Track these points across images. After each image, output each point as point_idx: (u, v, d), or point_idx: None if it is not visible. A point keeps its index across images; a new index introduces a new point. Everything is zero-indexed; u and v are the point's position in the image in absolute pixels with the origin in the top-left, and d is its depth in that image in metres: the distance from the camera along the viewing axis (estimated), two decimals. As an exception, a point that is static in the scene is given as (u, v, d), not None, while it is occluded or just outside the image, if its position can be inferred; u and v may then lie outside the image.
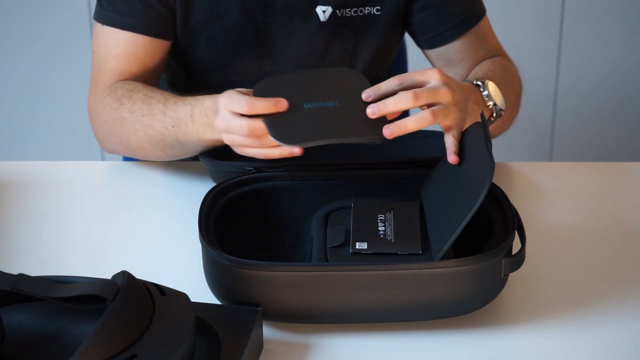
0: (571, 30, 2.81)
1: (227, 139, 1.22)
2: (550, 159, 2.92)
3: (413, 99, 1.15)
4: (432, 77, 1.18)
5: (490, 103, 1.29)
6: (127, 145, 1.40)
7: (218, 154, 1.36)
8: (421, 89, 1.17)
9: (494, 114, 1.30)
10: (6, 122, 2.91)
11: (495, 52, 1.52)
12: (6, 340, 0.96)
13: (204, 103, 1.27)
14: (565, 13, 2.80)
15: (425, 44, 1.53)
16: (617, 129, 2.92)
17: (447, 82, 1.18)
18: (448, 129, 1.17)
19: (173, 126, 1.32)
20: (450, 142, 1.16)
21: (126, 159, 1.91)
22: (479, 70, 1.42)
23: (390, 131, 1.15)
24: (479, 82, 1.30)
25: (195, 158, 1.39)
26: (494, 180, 1.19)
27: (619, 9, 2.80)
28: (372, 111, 1.17)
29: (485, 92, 1.29)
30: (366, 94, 1.19)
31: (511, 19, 2.76)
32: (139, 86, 1.40)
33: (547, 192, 1.38)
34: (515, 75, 1.47)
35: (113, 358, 0.88)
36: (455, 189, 1.14)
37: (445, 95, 1.16)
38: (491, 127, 1.30)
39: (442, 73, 1.19)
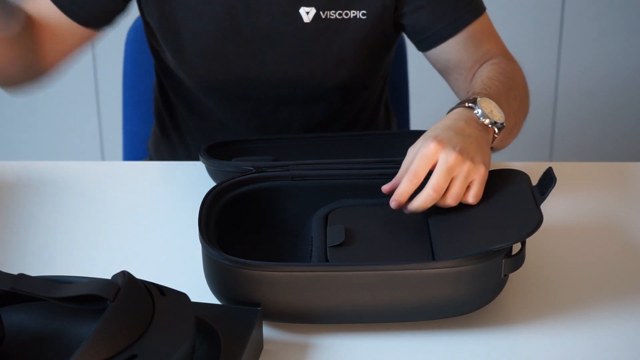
0: (571, 30, 2.82)
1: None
2: (550, 159, 2.92)
3: (435, 195, 1.14)
4: (432, 156, 1.15)
5: (487, 121, 1.23)
6: None
7: (218, 154, 1.36)
8: (435, 179, 1.14)
9: (496, 130, 1.25)
10: (6, 122, 2.91)
11: (495, 51, 1.50)
12: (6, 340, 0.96)
13: None
14: (565, 13, 2.80)
15: (421, 45, 1.52)
16: (617, 129, 2.92)
17: (443, 146, 1.15)
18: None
19: None
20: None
21: (126, 158, 1.91)
22: (479, 80, 1.38)
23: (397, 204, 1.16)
24: (470, 104, 1.24)
25: (195, 158, 1.39)
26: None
27: (619, 9, 2.80)
28: (395, 204, 1.16)
29: (478, 112, 1.23)
30: (386, 188, 1.19)
31: (511, 19, 2.76)
32: None
33: (547, 192, 1.38)
34: (518, 78, 1.44)
35: (113, 358, 0.88)
36: (478, 212, 1.14)
37: (457, 166, 1.14)
38: (497, 139, 1.26)
39: (433, 142, 1.15)
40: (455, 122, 1.21)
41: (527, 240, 1.08)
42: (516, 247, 1.08)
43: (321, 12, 1.46)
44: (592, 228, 1.30)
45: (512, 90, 1.37)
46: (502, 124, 1.25)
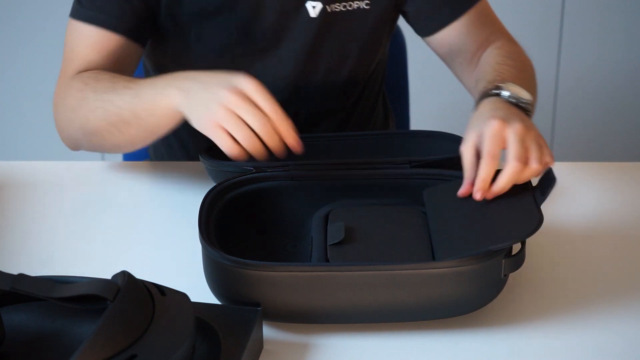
0: (571, 30, 2.81)
1: (217, 115, 1.20)
2: (550, 159, 2.92)
3: (522, 165, 1.13)
4: (500, 133, 1.14)
5: (521, 102, 1.24)
6: (85, 128, 1.36)
7: (218, 154, 1.36)
8: (515, 150, 1.13)
9: (529, 109, 1.25)
10: (6, 122, 2.91)
11: (498, 34, 1.50)
12: (6, 340, 0.96)
13: (178, 75, 1.27)
14: (565, 13, 2.80)
15: (423, 31, 1.51)
16: (617, 129, 2.92)
17: (505, 121, 1.15)
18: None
19: (134, 97, 1.29)
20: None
21: (126, 158, 1.91)
22: (488, 67, 1.38)
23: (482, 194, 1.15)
24: (495, 91, 1.25)
25: (195, 158, 1.39)
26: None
27: (619, 9, 2.80)
28: (480, 194, 1.14)
29: (506, 94, 1.24)
30: (464, 191, 1.16)
31: (511, 19, 2.76)
32: (108, 72, 1.38)
33: (547, 192, 1.38)
34: (525, 59, 1.45)
35: (113, 358, 0.88)
36: (479, 212, 1.14)
37: (526, 134, 1.14)
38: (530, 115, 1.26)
39: (496, 120, 1.15)
40: (494, 107, 1.21)
41: (527, 240, 1.09)
42: (516, 247, 1.08)
43: (327, 7, 1.46)
44: (591, 228, 1.30)
45: (523, 72, 1.37)
46: (528, 102, 1.25)
